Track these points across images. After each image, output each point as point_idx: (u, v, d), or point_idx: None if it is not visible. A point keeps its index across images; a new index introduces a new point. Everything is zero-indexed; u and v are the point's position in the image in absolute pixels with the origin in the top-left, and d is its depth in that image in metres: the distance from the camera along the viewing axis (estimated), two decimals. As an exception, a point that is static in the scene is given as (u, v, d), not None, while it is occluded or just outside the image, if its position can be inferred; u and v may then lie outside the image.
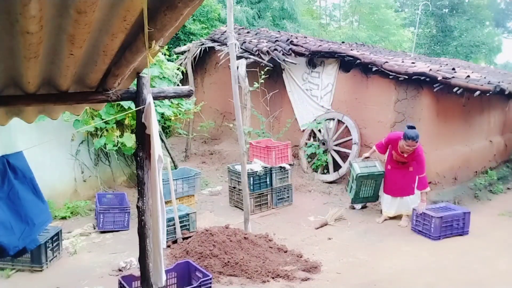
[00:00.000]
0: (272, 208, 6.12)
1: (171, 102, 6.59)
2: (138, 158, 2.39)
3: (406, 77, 6.26)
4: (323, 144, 7.34)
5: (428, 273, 4.26)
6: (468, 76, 6.03)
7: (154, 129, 2.25)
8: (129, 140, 5.92)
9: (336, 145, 7.25)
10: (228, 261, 4.16)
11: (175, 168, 6.64)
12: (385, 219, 5.65)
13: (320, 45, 7.61)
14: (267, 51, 7.78)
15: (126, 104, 5.52)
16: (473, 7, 24.51)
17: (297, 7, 16.39)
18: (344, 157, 7.13)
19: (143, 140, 2.37)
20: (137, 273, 2.90)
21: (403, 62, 6.75)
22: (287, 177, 6.22)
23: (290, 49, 7.68)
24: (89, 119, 5.67)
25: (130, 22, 1.60)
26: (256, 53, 7.99)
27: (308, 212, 6.00)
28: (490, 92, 5.83)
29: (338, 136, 7.25)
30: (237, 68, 6.27)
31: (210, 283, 3.40)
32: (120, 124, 6.09)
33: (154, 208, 2.32)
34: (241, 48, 8.05)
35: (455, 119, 6.80)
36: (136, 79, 2.41)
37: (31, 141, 4.61)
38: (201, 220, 5.45)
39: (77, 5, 1.35)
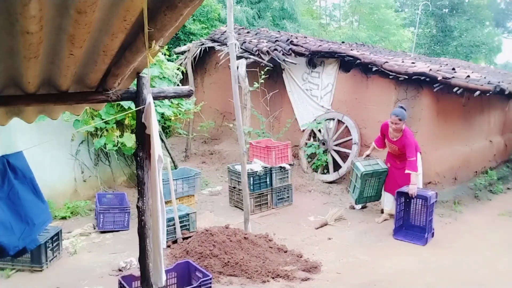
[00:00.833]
0: (272, 208, 6.12)
1: (171, 102, 6.59)
2: (138, 158, 2.39)
3: (406, 77, 6.26)
4: (323, 144, 7.34)
5: (428, 273, 4.26)
6: (468, 76, 6.03)
7: (154, 129, 2.25)
8: (129, 140, 5.92)
9: (336, 145, 7.25)
10: (228, 261, 4.16)
11: (175, 168, 6.64)
12: (385, 219, 5.65)
13: (320, 45, 7.61)
14: (267, 51, 7.78)
15: (126, 104, 5.52)
16: (473, 7, 24.51)
17: (297, 7, 16.40)
18: (344, 157, 7.13)
19: (143, 140, 2.37)
20: (137, 273, 2.90)
21: (403, 62, 6.75)
22: (287, 177, 6.22)
23: (290, 49, 7.68)
24: (89, 119, 5.67)
25: (130, 22, 1.60)
26: (256, 53, 7.99)
27: (308, 212, 6.00)
28: (490, 92, 5.83)
29: (338, 136, 7.25)
30: (237, 68, 6.28)
31: (210, 283, 3.40)
32: (120, 124, 6.09)
33: (154, 208, 2.32)
34: (241, 48, 8.05)
35: (455, 119, 6.80)
36: (136, 79, 2.41)
37: (31, 141, 4.61)
38: (201, 220, 5.45)
39: (77, 5, 1.35)
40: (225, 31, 8.52)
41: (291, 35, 9.12)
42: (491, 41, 24.39)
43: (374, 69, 6.69)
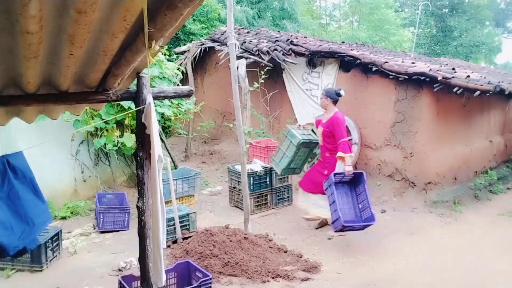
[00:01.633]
0: (272, 208, 6.12)
1: (171, 102, 6.59)
2: (138, 158, 2.39)
3: (406, 77, 6.26)
4: (323, 144, 7.32)
5: (428, 273, 4.26)
6: (468, 76, 6.03)
7: (154, 129, 2.25)
8: (129, 140, 5.92)
9: (336, 145, 7.23)
10: (228, 261, 4.16)
11: (175, 168, 6.64)
12: (322, 225, 5.44)
13: (320, 45, 7.60)
14: (267, 51, 7.78)
15: (126, 104, 5.52)
16: (473, 7, 24.53)
17: (297, 7, 16.39)
18: (344, 157, 7.11)
19: (143, 140, 2.37)
20: (137, 273, 2.90)
21: (403, 62, 6.75)
22: (287, 177, 6.22)
23: (290, 49, 7.68)
24: (89, 119, 5.67)
25: (130, 22, 1.60)
26: (256, 53, 7.98)
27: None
28: (490, 92, 5.83)
29: (338, 136, 7.23)
30: (237, 68, 6.28)
31: (210, 283, 3.40)
32: (120, 124, 6.09)
33: (154, 208, 2.32)
34: (241, 48, 8.05)
35: (455, 119, 6.80)
36: (136, 79, 2.42)
37: (31, 141, 4.62)
38: (201, 220, 5.45)
39: (77, 5, 1.35)
40: (225, 31, 8.52)
41: (291, 35, 9.11)
42: (491, 41, 24.39)
43: (374, 69, 6.68)
